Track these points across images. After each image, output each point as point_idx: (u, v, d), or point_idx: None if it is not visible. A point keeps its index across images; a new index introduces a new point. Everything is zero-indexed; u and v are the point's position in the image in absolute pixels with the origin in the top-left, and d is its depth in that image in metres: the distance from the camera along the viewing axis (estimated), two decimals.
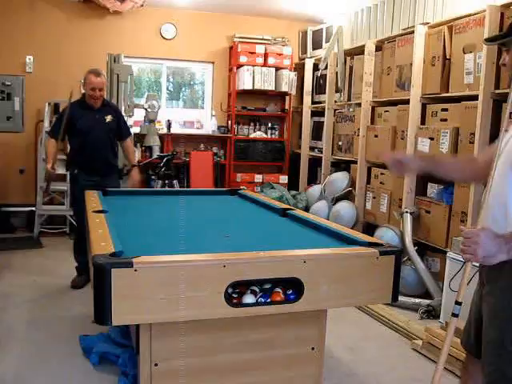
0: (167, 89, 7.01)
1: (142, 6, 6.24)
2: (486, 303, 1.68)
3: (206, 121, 6.97)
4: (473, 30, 3.81)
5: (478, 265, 1.66)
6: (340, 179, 5.51)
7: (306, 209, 5.65)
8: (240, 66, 6.55)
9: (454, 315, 1.63)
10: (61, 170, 5.99)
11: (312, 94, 6.50)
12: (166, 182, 5.70)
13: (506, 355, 1.56)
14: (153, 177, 5.92)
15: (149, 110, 5.83)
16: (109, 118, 4.19)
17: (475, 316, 1.78)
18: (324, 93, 6.09)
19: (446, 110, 4.15)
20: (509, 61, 1.67)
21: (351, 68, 5.62)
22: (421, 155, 3.48)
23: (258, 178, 6.69)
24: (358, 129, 5.26)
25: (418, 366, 3.05)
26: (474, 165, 1.93)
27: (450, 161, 2.18)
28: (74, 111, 4.11)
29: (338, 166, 5.95)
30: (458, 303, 1.62)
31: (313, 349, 2.27)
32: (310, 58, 6.53)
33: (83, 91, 4.32)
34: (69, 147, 4.38)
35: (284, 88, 6.60)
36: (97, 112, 4.14)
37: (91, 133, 4.11)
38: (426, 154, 4.01)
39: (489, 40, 1.81)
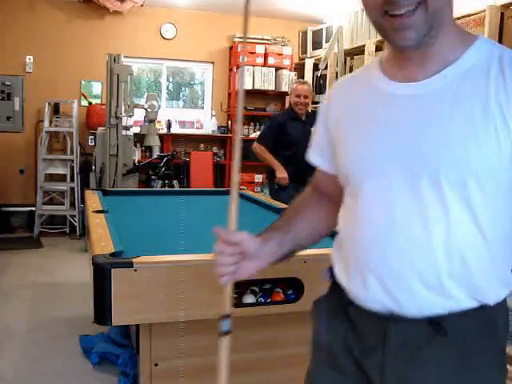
0: (167, 89, 7.01)
1: (141, 5, 6.25)
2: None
3: (205, 121, 6.97)
4: (473, 30, 3.80)
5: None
6: None
7: None
8: (240, 65, 6.55)
9: None
10: (61, 170, 6.04)
11: None
12: (166, 182, 5.70)
13: None
14: (153, 177, 5.91)
15: (149, 110, 5.82)
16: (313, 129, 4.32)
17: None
18: (324, 93, 6.08)
19: None
20: None
21: (351, 68, 5.62)
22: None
23: (258, 177, 6.69)
24: None
25: None
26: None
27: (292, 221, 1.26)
28: (283, 120, 4.22)
29: None
30: None
31: None
32: (310, 58, 6.53)
33: (289, 101, 4.46)
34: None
35: (284, 88, 6.61)
36: (304, 123, 4.22)
37: (300, 144, 4.26)
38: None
39: None
